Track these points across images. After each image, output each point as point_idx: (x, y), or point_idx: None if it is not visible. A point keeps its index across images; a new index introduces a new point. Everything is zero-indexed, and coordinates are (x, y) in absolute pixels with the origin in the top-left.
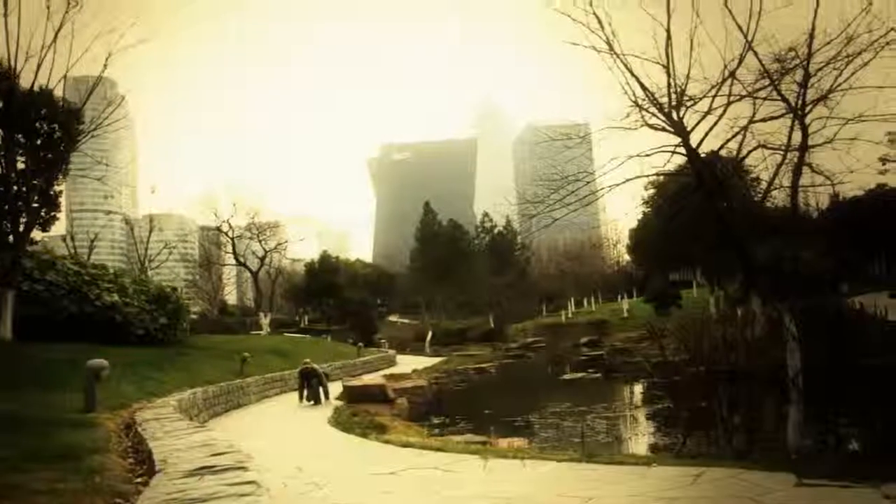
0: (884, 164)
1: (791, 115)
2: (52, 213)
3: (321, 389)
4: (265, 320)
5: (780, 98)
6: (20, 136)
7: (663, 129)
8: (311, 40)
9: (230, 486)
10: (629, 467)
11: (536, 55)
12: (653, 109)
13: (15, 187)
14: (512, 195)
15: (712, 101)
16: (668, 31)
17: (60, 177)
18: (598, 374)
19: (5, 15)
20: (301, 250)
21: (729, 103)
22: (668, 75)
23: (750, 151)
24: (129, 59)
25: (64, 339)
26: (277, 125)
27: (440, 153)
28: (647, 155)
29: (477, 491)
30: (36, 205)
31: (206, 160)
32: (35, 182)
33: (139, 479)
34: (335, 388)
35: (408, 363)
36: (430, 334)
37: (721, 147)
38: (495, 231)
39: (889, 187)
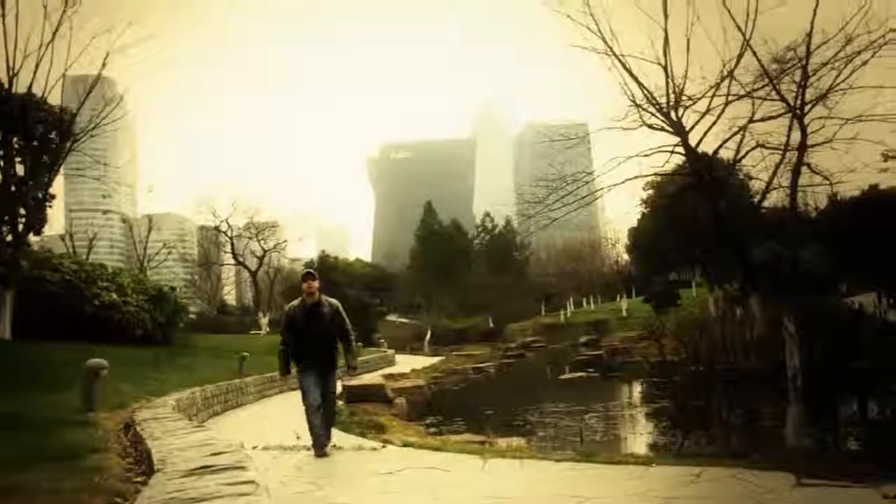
0: (885, 161)
1: (790, 115)
2: (43, 216)
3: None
4: (264, 320)
5: (778, 98)
6: (16, 138)
7: (662, 129)
8: (310, 40)
9: (229, 485)
10: (628, 467)
11: (535, 56)
12: (651, 109)
13: (13, 188)
14: (511, 195)
15: (710, 101)
16: (665, 30)
17: (51, 177)
18: (596, 374)
19: (3, 15)
20: (300, 250)
21: (727, 103)
22: (666, 75)
23: (748, 151)
24: (128, 58)
25: (62, 338)
26: (277, 124)
27: (440, 153)
28: (646, 155)
29: (475, 491)
30: (34, 206)
31: (205, 160)
32: (31, 183)
33: (138, 479)
34: None
35: (407, 363)
36: (429, 334)
37: (720, 147)
38: (495, 231)
39: (886, 187)
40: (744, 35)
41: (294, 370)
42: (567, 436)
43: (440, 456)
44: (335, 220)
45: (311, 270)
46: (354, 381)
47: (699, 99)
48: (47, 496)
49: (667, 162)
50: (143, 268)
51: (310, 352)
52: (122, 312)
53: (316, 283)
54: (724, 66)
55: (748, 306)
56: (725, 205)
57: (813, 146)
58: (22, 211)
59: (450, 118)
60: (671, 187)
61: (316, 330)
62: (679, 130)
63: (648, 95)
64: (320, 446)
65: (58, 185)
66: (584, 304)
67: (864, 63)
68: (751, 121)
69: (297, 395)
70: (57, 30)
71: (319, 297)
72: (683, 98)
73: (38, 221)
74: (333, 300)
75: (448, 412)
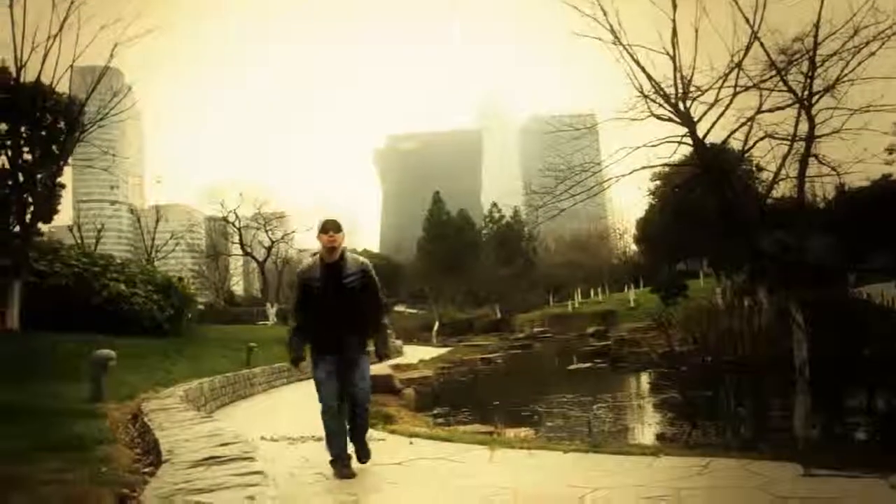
0: (890, 154)
1: (798, 106)
2: (55, 205)
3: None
4: (272, 310)
5: (786, 89)
6: (25, 127)
7: (670, 120)
8: (314, 36)
9: (237, 476)
10: (636, 457)
11: (542, 47)
12: (659, 100)
13: (21, 178)
14: (519, 185)
15: (718, 92)
16: (673, 21)
17: (61, 166)
18: (604, 365)
19: (11, 6)
20: (307, 240)
21: (735, 94)
22: (674, 66)
23: (756, 142)
24: (136, 49)
25: (71, 329)
26: (285, 116)
27: (446, 143)
28: (654, 145)
29: (484, 481)
30: (42, 196)
31: (213, 151)
32: (40, 174)
33: (146, 470)
34: None
35: (415, 353)
36: (437, 324)
37: (728, 137)
38: (503, 222)
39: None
40: (751, 26)
41: (307, 357)
42: (575, 426)
43: (448, 446)
44: (342, 211)
45: (332, 219)
46: None
47: (707, 90)
48: (55, 487)
49: (674, 153)
50: (150, 258)
51: (329, 330)
52: (130, 303)
53: (340, 236)
54: (731, 57)
55: (756, 297)
56: (733, 195)
57: (820, 137)
58: (30, 200)
59: (456, 110)
60: (679, 178)
61: (338, 299)
62: (687, 121)
63: (656, 86)
64: (341, 462)
65: (66, 176)
66: (592, 294)
67: (872, 54)
68: (759, 112)
69: (306, 384)
70: (65, 21)
71: (343, 255)
72: (691, 89)
73: (47, 210)
74: (362, 258)
75: (456, 403)
